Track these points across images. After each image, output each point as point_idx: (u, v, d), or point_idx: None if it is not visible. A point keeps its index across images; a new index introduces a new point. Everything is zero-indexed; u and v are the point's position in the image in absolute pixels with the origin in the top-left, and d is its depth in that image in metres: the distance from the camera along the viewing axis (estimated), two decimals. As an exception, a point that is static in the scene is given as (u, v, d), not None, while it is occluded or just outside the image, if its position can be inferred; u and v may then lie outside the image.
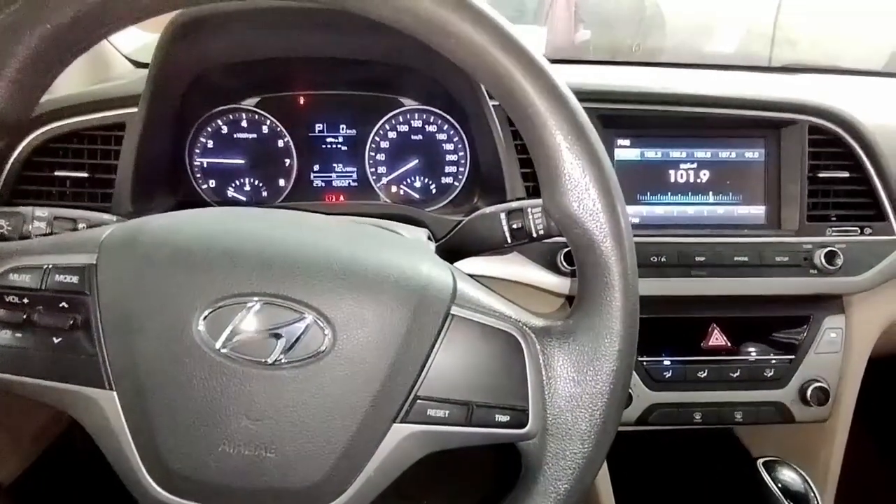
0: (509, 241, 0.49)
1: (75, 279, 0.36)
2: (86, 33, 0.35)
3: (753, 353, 0.72)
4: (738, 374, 0.71)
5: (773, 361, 0.72)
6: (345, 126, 0.76)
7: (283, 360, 0.34)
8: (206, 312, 0.34)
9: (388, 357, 0.35)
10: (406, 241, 0.45)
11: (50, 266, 0.36)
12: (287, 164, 0.75)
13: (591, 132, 0.36)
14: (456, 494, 0.94)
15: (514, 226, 0.49)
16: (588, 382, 0.36)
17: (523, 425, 0.36)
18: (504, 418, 0.36)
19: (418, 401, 0.35)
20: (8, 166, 0.63)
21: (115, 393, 0.35)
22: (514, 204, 0.50)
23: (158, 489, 0.35)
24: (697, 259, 0.68)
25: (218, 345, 0.34)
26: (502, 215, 0.49)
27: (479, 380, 0.36)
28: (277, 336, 0.34)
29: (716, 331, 0.72)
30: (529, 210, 0.48)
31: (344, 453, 0.35)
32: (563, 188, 0.36)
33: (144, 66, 0.85)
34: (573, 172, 0.35)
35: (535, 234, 0.48)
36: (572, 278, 0.67)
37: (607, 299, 0.36)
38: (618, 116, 0.70)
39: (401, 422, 0.35)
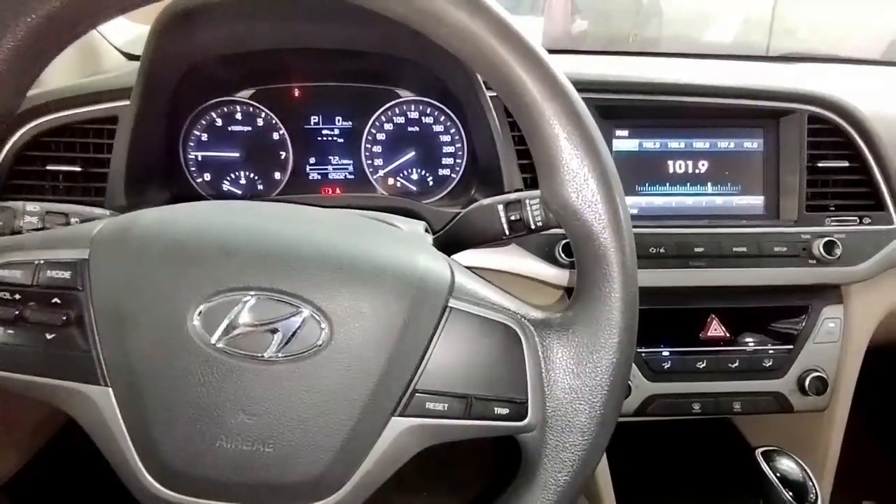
0: (507, 232, 0.49)
1: (67, 274, 0.35)
2: (73, 22, 0.34)
3: (752, 344, 0.72)
4: (736, 364, 0.71)
5: (772, 351, 0.72)
6: (340, 118, 0.75)
7: (279, 355, 0.34)
8: (201, 307, 0.34)
9: (385, 350, 0.34)
10: (403, 234, 0.44)
11: (41, 261, 0.35)
12: (282, 157, 0.74)
13: (590, 122, 0.35)
14: (455, 488, 0.94)
15: (513, 217, 0.48)
16: (587, 374, 0.36)
17: (523, 418, 0.36)
18: (503, 411, 0.36)
19: (417, 394, 0.35)
20: (-1, 160, 0.62)
21: (110, 389, 0.34)
22: (513, 195, 0.49)
23: (156, 485, 0.35)
24: (696, 250, 0.68)
25: (213, 339, 0.34)
26: (500, 207, 0.49)
27: (478, 372, 0.36)
28: (274, 330, 0.34)
29: (714, 321, 0.72)
30: (527, 201, 0.48)
31: (342, 447, 0.34)
32: (561, 178, 0.35)
33: (136, 58, 0.84)
34: (571, 162, 0.35)
35: (533, 226, 0.48)
36: (571, 270, 0.66)
37: (606, 291, 0.36)
38: (616, 107, 0.70)
39: (399, 415, 0.35)
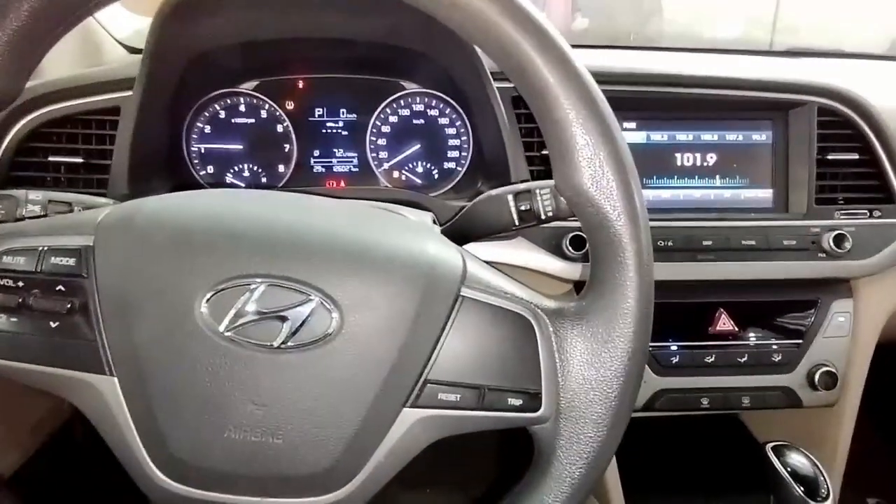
0: (517, 223, 0.48)
1: (72, 261, 0.34)
2: (76, 5, 0.34)
3: (761, 338, 0.71)
4: (745, 358, 0.71)
5: (781, 346, 0.71)
6: (345, 110, 0.74)
7: (289, 344, 0.33)
8: (208, 295, 0.33)
9: (397, 340, 0.34)
10: (412, 223, 0.44)
11: (45, 248, 0.35)
12: (286, 150, 0.74)
13: (605, 107, 0.35)
14: (461, 482, 0.93)
15: (522, 207, 0.47)
16: (602, 365, 0.35)
17: (536, 409, 0.35)
18: (517, 402, 0.35)
19: (428, 385, 0.34)
20: (0, 151, 0.61)
21: (115, 378, 0.34)
22: (522, 185, 0.48)
23: (162, 477, 0.34)
24: (704, 243, 0.67)
25: (221, 328, 0.33)
26: (510, 197, 0.48)
27: (491, 363, 0.35)
28: (283, 319, 0.33)
29: (723, 315, 0.71)
30: (538, 191, 0.47)
31: (353, 439, 0.34)
32: (575, 164, 0.35)
33: (138, 51, 0.83)
34: (586, 148, 0.34)
35: (543, 216, 0.47)
36: (579, 263, 0.66)
37: (621, 279, 0.35)
38: (623, 99, 0.69)
39: (411, 406, 0.34)
